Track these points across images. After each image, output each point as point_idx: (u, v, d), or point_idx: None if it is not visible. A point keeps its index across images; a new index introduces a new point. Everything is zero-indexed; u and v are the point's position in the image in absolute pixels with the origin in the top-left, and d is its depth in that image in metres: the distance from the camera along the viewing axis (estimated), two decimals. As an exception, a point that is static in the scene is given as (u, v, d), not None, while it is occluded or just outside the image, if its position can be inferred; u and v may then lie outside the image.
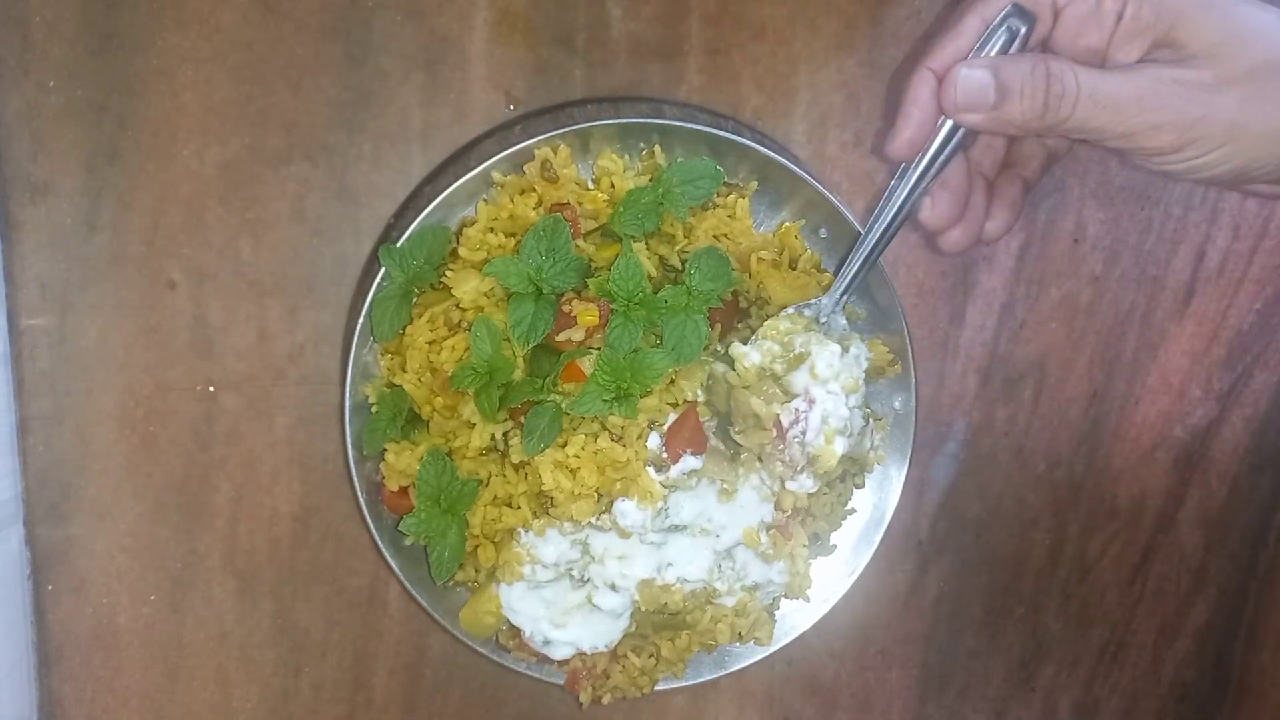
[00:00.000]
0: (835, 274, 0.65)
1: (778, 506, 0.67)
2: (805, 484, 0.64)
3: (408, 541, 0.66)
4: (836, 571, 0.71)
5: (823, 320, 0.65)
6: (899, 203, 0.60)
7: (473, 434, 0.63)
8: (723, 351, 0.65)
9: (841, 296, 0.64)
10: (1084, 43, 0.55)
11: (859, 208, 0.70)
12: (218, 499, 0.69)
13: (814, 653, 0.76)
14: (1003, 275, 0.73)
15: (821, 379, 0.62)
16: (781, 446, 0.62)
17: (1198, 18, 0.52)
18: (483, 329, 0.61)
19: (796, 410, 0.61)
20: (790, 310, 0.65)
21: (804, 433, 0.62)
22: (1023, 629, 0.79)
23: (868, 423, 0.68)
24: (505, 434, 0.63)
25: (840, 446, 0.62)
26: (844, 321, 0.66)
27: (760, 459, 0.64)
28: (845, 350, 0.63)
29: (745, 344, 0.63)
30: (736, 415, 0.64)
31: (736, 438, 0.64)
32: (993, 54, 0.55)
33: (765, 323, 0.64)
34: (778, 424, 0.62)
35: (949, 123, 0.57)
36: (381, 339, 0.64)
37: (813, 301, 0.65)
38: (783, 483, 0.64)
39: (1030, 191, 0.64)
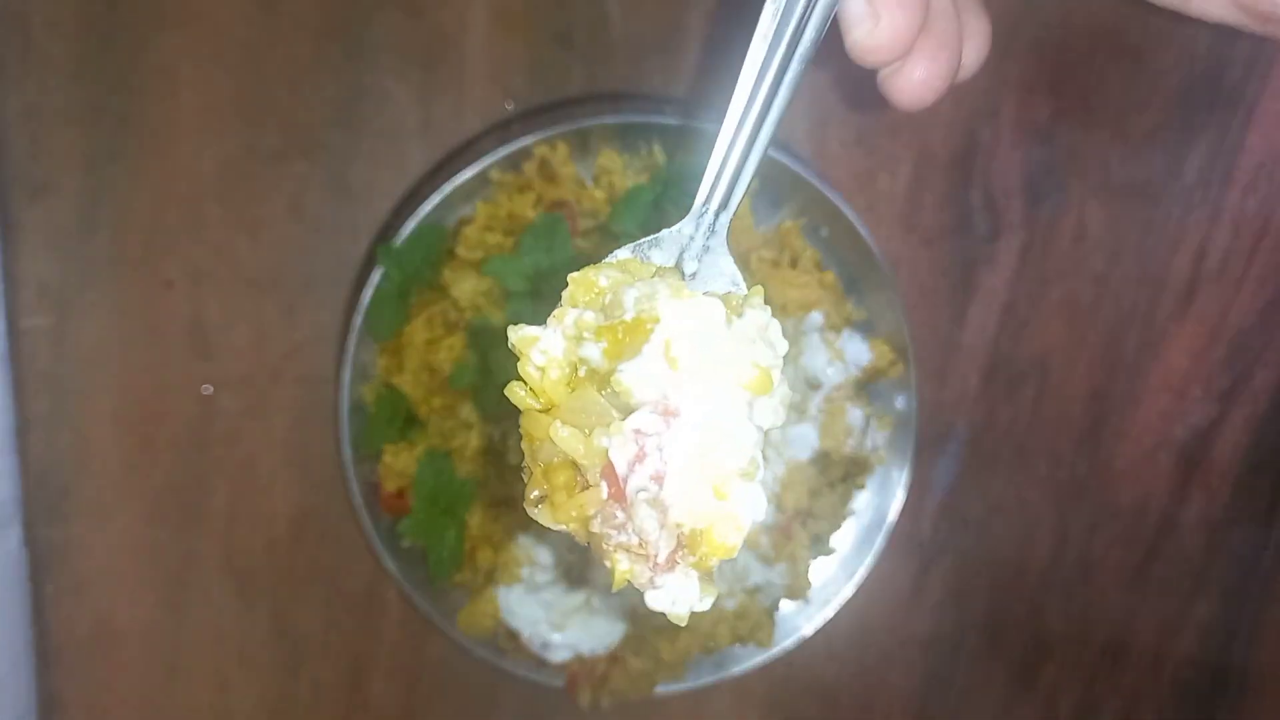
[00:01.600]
0: (842, 287, 0.57)
1: (779, 508, 0.66)
2: (684, 594, 0.33)
3: (406, 543, 0.66)
4: (838, 573, 0.70)
5: (689, 270, 0.37)
6: (799, 9, 0.34)
7: (470, 435, 0.63)
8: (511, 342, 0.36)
9: (718, 212, 0.37)
10: None
11: (860, 206, 0.69)
12: (215, 499, 0.69)
13: (815, 655, 0.76)
14: (1004, 275, 0.72)
15: (687, 367, 0.32)
16: (619, 516, 0.33)
17: None
18: (481, 329, 0.61)
19: (639, 435, 0.32)
20: (624, 252, 0.37)
21: (659, 481, 0.32)
22: (1024, 629, 0.78)
23: (868, 422, 0.68)
24: (503, 434, 0.63)
25: (752, 504, 0.33)
26: (731, 265, 0.37)
27: (588, 547, 0.35)
28: (736, 314, 0.34)
29: (536, 324, 0.34)
30: (532, 465, 0.35)
31: (533, 514, 0.35)
32: None
33: (572, 278, 0.35)
34: (608, 472, 0.32)
35: None
36: (379, 339, 0.64)
37: (664, 232, 0.36)
38: (641, 594, 0.34)
39: None
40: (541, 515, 0.35)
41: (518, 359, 0.34)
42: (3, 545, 0.66)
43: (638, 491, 0.32)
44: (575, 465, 0.34)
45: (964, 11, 0.38)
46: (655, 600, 0.34)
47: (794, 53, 0.36)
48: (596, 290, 0.34)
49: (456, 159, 0.66)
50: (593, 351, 0.33)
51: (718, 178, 0.37)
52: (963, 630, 0.78)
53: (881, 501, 0.70)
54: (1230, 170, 0.70)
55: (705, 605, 0.34)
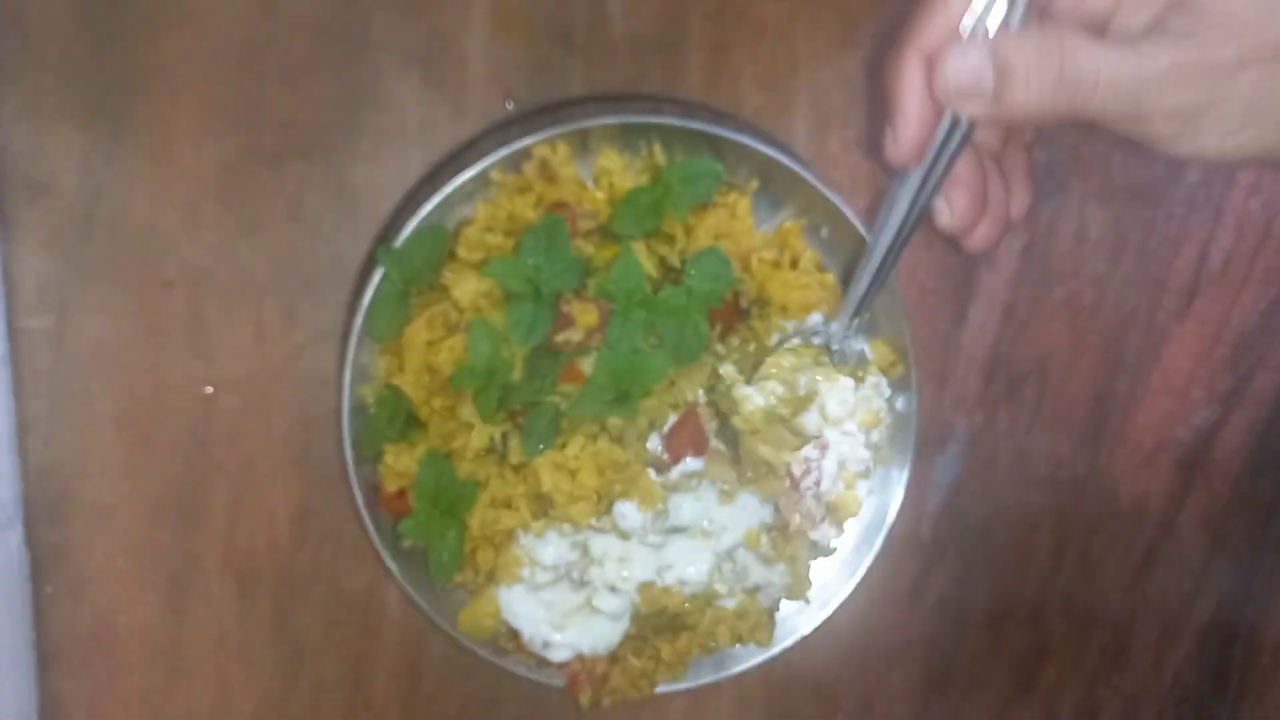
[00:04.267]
0: (844, 288, 0.63)
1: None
2: (828, 534, 0.59)
3: (406, 543, 0.66)
4: (838, 573, 0.70)
5: (835, 347, 0.59)
6: (905, 210, 0.52)
7: (471, 435, 0.63)
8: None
9: (853, 320, 0.58)
10: (1088, 7, 0.47)
11: (860, 207, 0.69)
12: (216, 500, 0.69)
13: (815, 655, 0.76)
14: (1005, 276, 0.72)
15: (834, 419, 0.57)
16: (796, 498, 0.57)
17: None
18: (481, 330, 0.61)
19: (808, 460, 0.56)
20: (795, 340, 0.58)
21: (818, 483, 0.57)
22: (1025, 631, 0.79)
23: (869, 424, 0.68)
24: (504, 435, 0.63)
25: (864, 490, 0.58)
26: (861, 346, 0.59)
27: (777, 508, 0.59)
28: (860, 381, 0.57)
29: (748, 384, 0.58)
30: (746, 461, 0.59)
31: (747, 487, 0.59)
32: (989, 24, 0.46)
33: (768, 359, 0.58)
34: (789, 474, 0.57)
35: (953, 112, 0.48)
36: (379, 339, 0.64)
37: (820, 328, 0.59)
38: (804, 533, 0.59)
39: (1032, 156, 0.57)
40: (754, 489, 0.60)
41: (737, 403, 0.58)
42: (3, 546, 0.66)
43: (805, 488, 0.57)
44: (771, 465, 0.58)
45: (1014, 184, 0.55)
46: (815, 535, 0.60)
47: (905, 229, 0.55)
48: (782, 369, 0.58)
49: (457, 160, 0.66)
50: (781, 409, 0.57)
51: (860, 304, 0.58)
52: (963, 631, 0.78)
53: (882, 502, 0.70)
54: (1232, 171, 0.70)
55: (838, 538, 0.61)
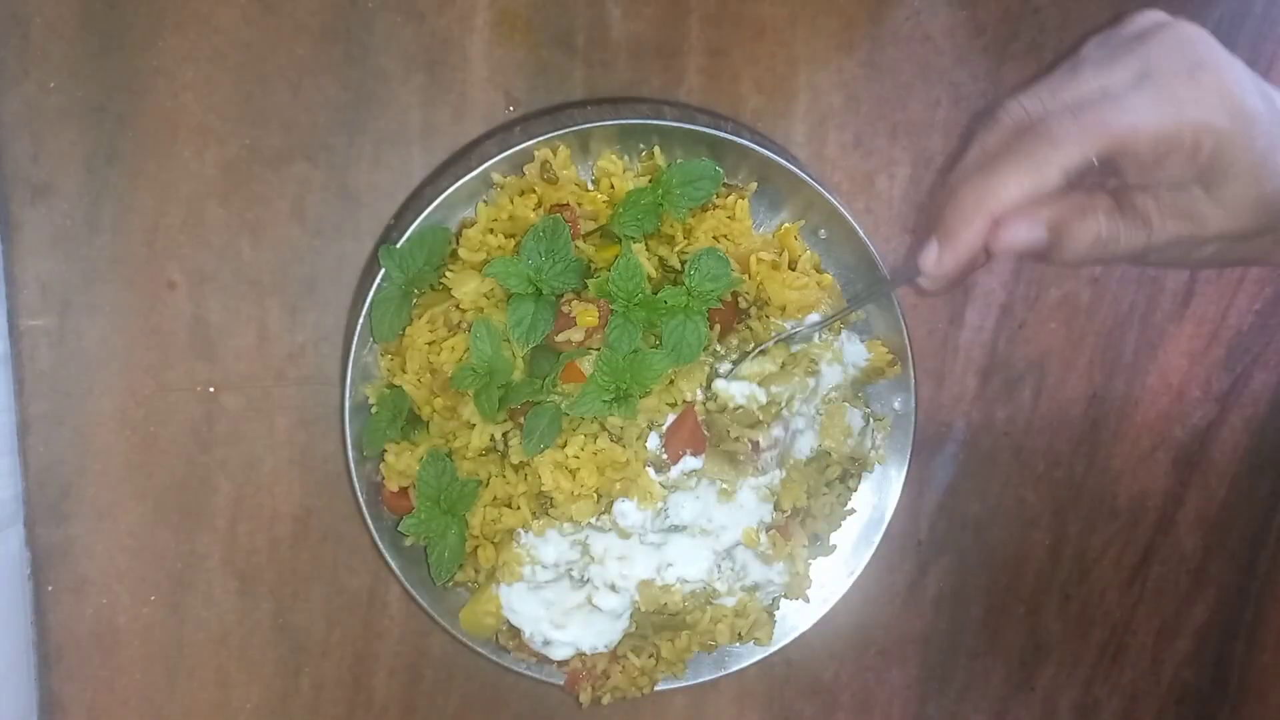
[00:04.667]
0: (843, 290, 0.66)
1: (777, 507, 0.67)
2: (771, 465, 0.67)
3: (408, 542, 0.66)
4: (836, 572, 0.71)
5: (798, 343, 0.66)
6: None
7: (472, 435, 0.63)
8: (722, 353, 0.65)
9: (821, 328, 0.66)
10: (1140, 171, 0.54)
11: (858, 208, 0.70)
12: (218, 499, 0.69)
13: (814, 653, 0.76)
14: (1002, 276, 0.73)
15: (795, 409, 0.65)
16: (755, 458, 0.65)
17: (1245, 175, 0.52)
18: (482, 330, 0.61)
19: (776, 439, 0.64)
20: (772, 342, 0.65)
21: (776, 457, 0.65)
22: (1022, 629, 0.79)
23: (868, 423, 0.68)
24: (505, 434, 0.63)
25: (802, 451, 0.67)
26: (815, 336, 0.66)
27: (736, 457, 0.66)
28: (816, 375, 0.66)
29: (726, 380, 0.64)
30: (715, 427, 0.65)
31: (716, 442, 0.64)
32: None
33: (748, 363, 0.64)
34: (755, 444, 0.64)
35: None
36: (381, 339, 0.64)
37: (793, 328, 0.65)
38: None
39: None
40: (719, 443, 0.65)
41: (716, 395, 0.65)
42: (3, 545, 0.66)
43: (765, 460, 0.65)
44: (737, 438, 0.64)
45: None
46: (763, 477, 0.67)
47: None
48: (764, 378, 0.65)
49: (458, 161, 0.66)
50: (760, 414, 0.65)
51: (835, 320, 0.67)
52: (961, 629, 0.78)
53: (880, 501, 0.71)
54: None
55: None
